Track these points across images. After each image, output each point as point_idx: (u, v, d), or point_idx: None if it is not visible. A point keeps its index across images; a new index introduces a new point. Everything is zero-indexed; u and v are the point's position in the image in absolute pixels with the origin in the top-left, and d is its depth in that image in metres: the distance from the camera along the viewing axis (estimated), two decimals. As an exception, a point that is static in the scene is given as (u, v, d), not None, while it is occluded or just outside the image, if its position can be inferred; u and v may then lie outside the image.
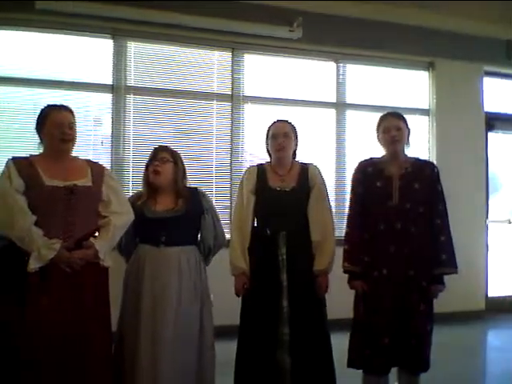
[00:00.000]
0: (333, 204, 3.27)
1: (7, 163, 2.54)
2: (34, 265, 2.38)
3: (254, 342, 2.84)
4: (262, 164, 3.08)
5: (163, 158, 2.88)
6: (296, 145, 3.06)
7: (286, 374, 2.80)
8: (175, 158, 2.94)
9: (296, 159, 3.08)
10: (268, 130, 3.05)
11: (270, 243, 2.88)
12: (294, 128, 3.05)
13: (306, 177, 2.99)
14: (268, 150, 3.08)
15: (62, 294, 2.45)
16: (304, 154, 3.23)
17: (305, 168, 3.03)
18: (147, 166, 2.92)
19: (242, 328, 2.92)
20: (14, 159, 2.56)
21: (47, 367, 2.40)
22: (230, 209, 4.82)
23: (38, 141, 2.66)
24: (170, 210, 2.83)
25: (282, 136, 2.96)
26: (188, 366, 2.74)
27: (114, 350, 2.75)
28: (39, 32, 4.67)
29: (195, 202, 2.91)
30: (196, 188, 3.05)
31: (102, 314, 2.59)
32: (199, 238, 2.96)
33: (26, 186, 2.47)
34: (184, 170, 2.97)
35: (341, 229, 3.37)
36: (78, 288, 2.48)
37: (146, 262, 2.77)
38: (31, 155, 2.64)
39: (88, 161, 2.78)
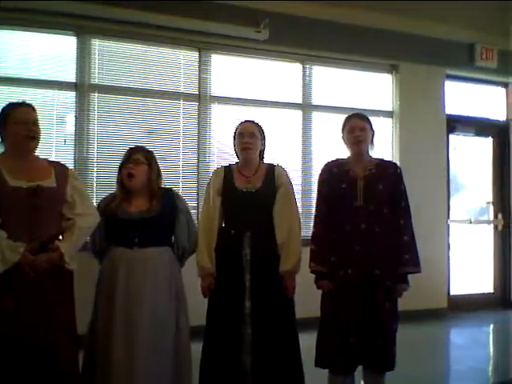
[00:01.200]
0: (299, 205, 3.29)
1: None
2: (-2, 267, 2.33)
3: (218, 342, 2.84)
4: (230, 165, 3.08)
5: (137, 160, 2.84)
6: (263, 145, 3.07)
7: (248, 375, 2.80)
8: (149, 159, 2.89)
9: (263, 160, 3.09)
10: (235, 130, 3.06)
11: (234, 243, 2.88)
12: (260, 129, 3.06)
13: (273, 177, 2.99)
14: (236, 151, 3.08)
15: (26, 296, 2.40)
16: (270, 155, 3.24)
17: (271, 169, 3.03)
18: (121, 168, 2.87)
19: (208, 329, 2.91)
20: None
21: (12, 369, 2.35)
22: (197, 209, 4.79)
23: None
24: (144, 211, 2.79)
25: (247, 135, 2.97)
26: (164, 365, 2.71)
27: (84, 352, 2.73)
28: (0, 29, 4.54)
29: (169, 203, 2.88)
30: (170, 189, 3.03)
31: (67, 316, 2.55)
32: (173, 240, 2.93)
33: (-11, 187, 2.41)
34: (158, 170, 2.93)
35: (308, 229, 3.39)
36: (42, 290, 2.44)
37: (120, 264, 2.73)
38: (-7, 155, 2.58)
39: (50, 161, 2.72)
